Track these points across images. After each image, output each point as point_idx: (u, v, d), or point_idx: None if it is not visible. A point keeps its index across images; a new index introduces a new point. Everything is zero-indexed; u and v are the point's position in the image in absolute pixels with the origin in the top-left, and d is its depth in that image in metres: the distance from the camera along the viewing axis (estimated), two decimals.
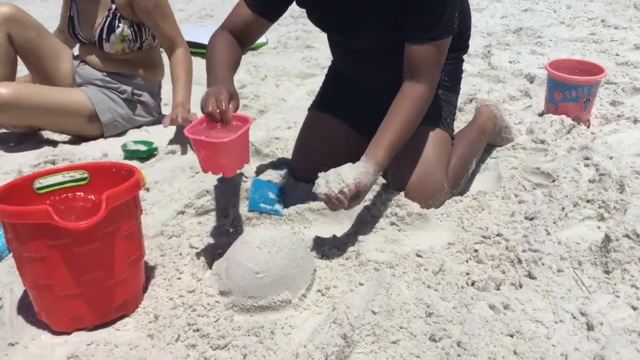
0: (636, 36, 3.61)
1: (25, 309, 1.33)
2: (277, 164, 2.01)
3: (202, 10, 5.09)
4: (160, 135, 2.36)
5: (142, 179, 1.30)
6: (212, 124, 1.36)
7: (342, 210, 1.48)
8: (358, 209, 1.65)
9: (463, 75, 2.02)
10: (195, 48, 3.65)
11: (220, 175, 1.36)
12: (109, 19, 2.22)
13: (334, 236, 1.56)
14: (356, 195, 1.44)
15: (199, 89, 2.93)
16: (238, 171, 1.41)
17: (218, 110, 1.35)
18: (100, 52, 2.31)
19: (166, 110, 2.52)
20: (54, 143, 2.28)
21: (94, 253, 1.20)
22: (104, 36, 2.23)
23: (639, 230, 1.38)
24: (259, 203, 1.69)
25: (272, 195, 1.72)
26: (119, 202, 1.21)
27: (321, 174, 1.46)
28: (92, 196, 1.37)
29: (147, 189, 1.85)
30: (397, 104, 1.58)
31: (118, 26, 2.22)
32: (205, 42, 3.70)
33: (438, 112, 1.81)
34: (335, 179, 1.42)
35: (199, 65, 3.44)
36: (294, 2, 1.67)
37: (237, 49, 1.65)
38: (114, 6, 2.22)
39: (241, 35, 1.66)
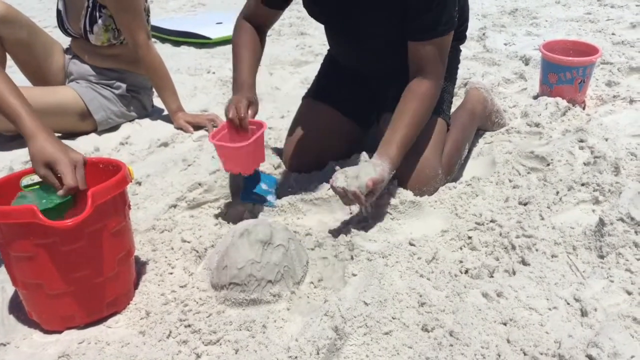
0: (632, 15, 3.56)
1: (16, 308, 1.32)
2: (269, 154, 1.99)
3: None
4: (153, 128, 2.34)
5: (129, 174, 1.29)
6: (233, 129, 1.58)
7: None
8: None
9: None
10: (187, 37, 3.64)
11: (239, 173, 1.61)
12: (89, 9, 2.18)
13: (327, 227, 1.55)
14: (371, 191, 1.46)
15: (187, 78, 2.91)
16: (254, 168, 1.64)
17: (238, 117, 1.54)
18: (90, 46, 2.27)
19: (157, 102, 2.49)
20: None
21: (81, 251, 1.19)
22: (88, 28, 2.20)
23: (634, 213, 1.37)
24: (252, 194, 1.68)
25: (264, 186, 1.71)
26: (106, 199, 1.19)
27: (339, 169, 1.51)
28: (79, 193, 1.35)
29: (139, 183, 1.83)
30: (405, 102, 1.60)
31: (100, 16, 2.18)
32: (197, 31, 3.70)
33: None
34: (354, 175, 1.45)
35: (190, 54, 3.43)
36: None
37: (258, 41, 1.75)
38: None
39: (260, 23, 1.76)
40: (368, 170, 1.46)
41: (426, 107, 1.62)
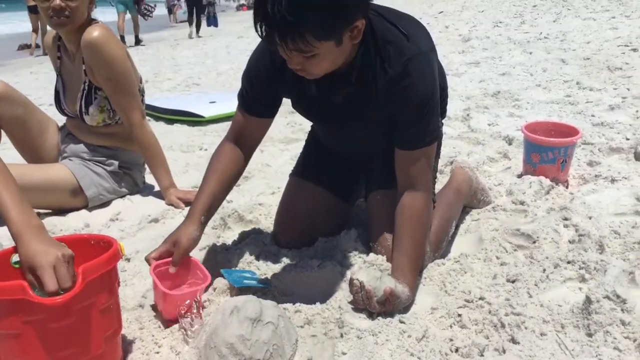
0: (610, 97, 3.71)
1: None
2: (259, 231, 2.01)
3: (189, 79, 5.20)
4: (144, 204, 2.36)
5: (121, 250, 1.29)
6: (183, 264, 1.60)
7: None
8: (339, 276, 1.64)
9: (443, 138, 2.06)
10: (180, 116, 3.72)
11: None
12: (85, 91, 2.24)
13: (316, 304, 1.55)
14: (386, 300, 1.46)
15: (179, 155, 2.96)
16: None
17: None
18: (85, 126, 2.32)
19: (149, 177, 2.52)
20: (37, 214, 2.26)
21: (69, 328, 1.17)
22: (83, 109, 2.26)
23: (619, 291, 1.39)
24: (242, 280, 1.65)
25: (247, 275, 1.69)
26: (96, 275, 1.19)
27: (363, 267, 1.54)
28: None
29: (128, 259, 1.83)
30: (403, 223, 1.62)
31: (95, 97, 2.25)
32: (191, 110, 3.78)
33: None
34: (376, 276, 1.47)
35: (183, 132, 3.50)
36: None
37: (234, 163, 1.75)
38: (87, 78, 2.24)
39: (248, 138, 1.75)
40: (390, 281, 1.48)
41: (423, 222, 1.64)
